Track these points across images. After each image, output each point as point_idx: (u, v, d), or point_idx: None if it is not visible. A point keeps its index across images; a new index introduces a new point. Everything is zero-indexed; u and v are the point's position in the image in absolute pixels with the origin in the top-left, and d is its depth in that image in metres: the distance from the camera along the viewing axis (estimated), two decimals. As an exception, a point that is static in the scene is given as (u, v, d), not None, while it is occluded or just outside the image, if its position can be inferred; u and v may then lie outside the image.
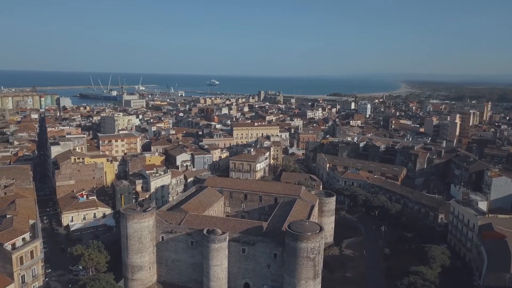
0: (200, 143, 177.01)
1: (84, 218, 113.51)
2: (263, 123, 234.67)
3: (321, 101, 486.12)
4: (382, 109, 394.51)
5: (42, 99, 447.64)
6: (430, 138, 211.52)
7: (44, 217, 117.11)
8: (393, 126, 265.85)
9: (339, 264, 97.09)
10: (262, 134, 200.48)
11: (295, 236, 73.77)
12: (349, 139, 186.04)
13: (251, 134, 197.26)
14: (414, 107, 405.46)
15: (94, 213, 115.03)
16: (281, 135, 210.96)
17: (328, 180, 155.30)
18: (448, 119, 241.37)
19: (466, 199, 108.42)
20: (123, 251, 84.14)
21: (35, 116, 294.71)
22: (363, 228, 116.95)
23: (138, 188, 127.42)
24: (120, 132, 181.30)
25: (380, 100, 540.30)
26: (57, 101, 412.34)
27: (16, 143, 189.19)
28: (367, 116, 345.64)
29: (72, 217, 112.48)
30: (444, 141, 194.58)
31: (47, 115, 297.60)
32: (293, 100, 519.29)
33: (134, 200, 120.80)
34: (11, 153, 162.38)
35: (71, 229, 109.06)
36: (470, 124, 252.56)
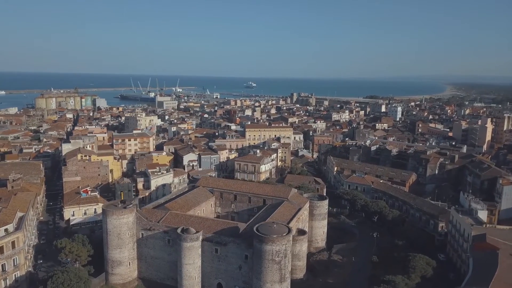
0: (209, 144, 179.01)
1: (85, 213, 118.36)
2: (280, 125, 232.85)
3: (352, 103, 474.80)
4: (414, 112, 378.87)
5: (83, 100, 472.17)
6: (455, 143, 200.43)
7: (51, 214, 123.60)
8: (420, 130, 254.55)
9: (324, 269, 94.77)
10: (275, 135, 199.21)
11: (261, 238, 73.08)
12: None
13: (264, 135, 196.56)
14: (449, 110, 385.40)
15: (95, 209, 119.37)
16: (294, 137, 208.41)
17: (335, 183, 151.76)
18: (479, 123, 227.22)
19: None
20: (104, 246, 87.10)
21: (70, 116, 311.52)
22: (359, 233, 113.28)
23: (140, 186, 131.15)
24: (134, 131, 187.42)
25: (417, 103, 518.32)
26: (93, 102, 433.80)
27: (44, 140, 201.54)
28: (397, 119, 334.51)
29: (74, 211, 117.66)
30: (465, 146, 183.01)
31: (81, 115, 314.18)
32: (326, 102, 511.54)
33: (133, 197, 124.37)
34: (34, 150, 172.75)
35: (71, 223, 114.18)
36: (504, 128, 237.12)
